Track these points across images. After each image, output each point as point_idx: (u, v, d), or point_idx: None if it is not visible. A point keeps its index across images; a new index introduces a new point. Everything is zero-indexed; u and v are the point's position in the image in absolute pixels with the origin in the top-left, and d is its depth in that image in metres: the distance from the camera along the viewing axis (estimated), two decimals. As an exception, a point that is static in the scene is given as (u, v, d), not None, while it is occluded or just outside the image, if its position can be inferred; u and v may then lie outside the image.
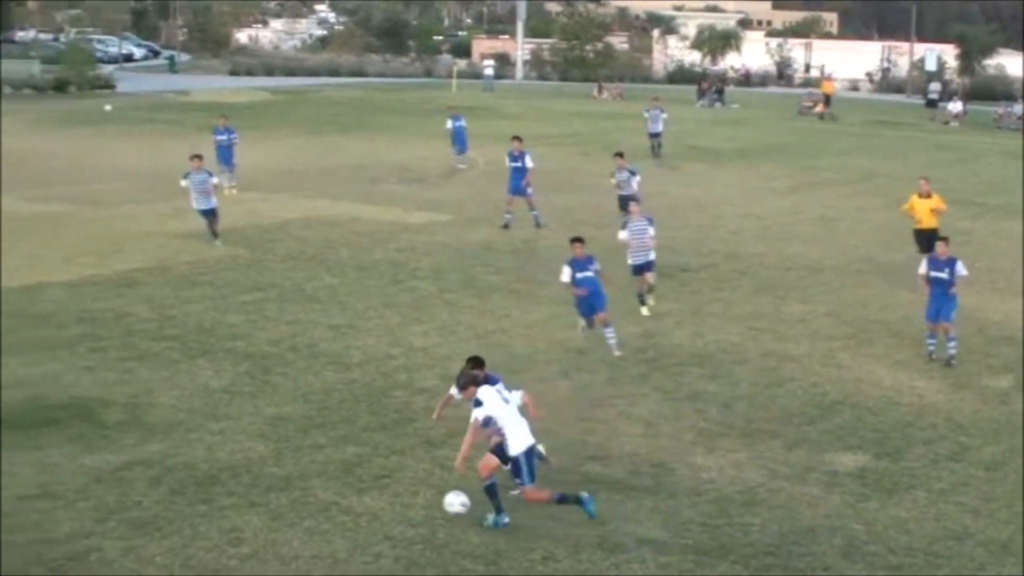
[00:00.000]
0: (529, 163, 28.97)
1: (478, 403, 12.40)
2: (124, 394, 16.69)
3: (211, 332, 19.84)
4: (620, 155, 28.65)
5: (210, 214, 26.25)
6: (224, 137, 33.54)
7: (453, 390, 13.62)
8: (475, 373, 12.93)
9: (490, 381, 12.89)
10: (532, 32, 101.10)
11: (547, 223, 29.13)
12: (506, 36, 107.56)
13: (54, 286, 22.62)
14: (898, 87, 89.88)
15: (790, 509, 13.59)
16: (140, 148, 43.40)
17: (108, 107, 57.94)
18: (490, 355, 18.60)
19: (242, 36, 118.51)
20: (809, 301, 23.18)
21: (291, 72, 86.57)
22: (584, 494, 12.88)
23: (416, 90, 74.24)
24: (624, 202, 27.34)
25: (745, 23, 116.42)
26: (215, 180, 26.68)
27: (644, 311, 21.41)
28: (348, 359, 18.55)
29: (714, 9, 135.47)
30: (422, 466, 14.38)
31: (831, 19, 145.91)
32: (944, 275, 19.05)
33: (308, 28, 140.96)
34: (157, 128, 50.04)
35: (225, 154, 33.40)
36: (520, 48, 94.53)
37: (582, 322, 19.34)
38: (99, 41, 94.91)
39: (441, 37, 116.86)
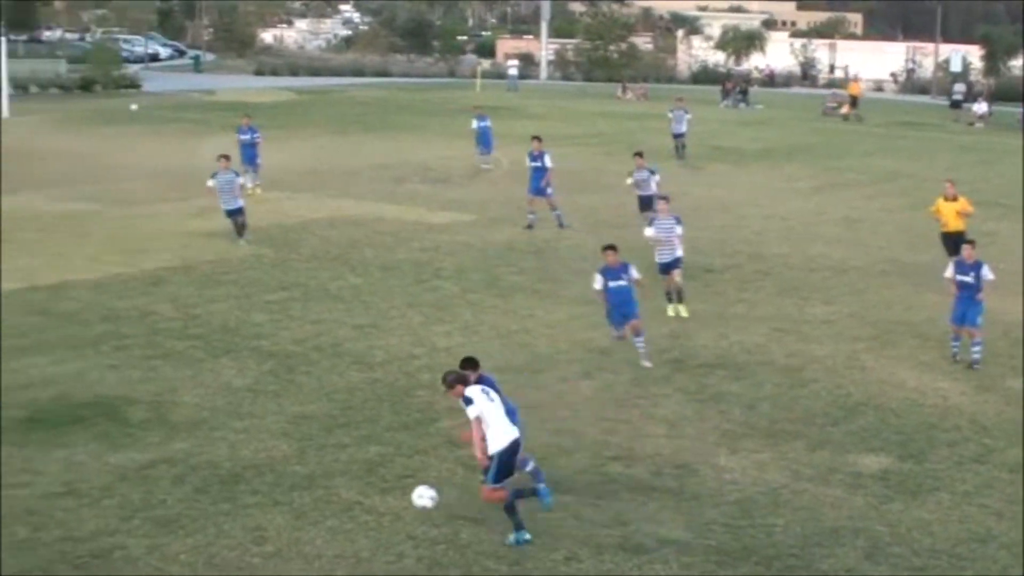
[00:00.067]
0: (548, 163, 28.95)
1: (469, 401, 12.39)
2: (148, 392, 16.79)
3: (235, 331, 19.94)
4: (640, 155, 28.62)
5: (237, 213, 26.40)
6: (247, 136, 33.72)
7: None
8: (465, 373, 12.94)
9: (483, 382, 12.88)
10: (556, 32, 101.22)
11: (570, 223, 29.13)
12: (530, 36, 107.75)
13: (79, 285, 22.77)
14: (923, 88, 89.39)
15: (813, 510, 13.56)
16: (165, 147, 43.65)
17: (134, 106, 58.26)
18: (513, 355, 18.79)
19: (267, 36, 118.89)
20: (833, 302, 23.10)
21: (316, 72, 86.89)
22: (542, 485, 12.80)
23: (440, 90, 74.31)
24: (644, 203, 27.36)
25: (769, 23, 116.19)
26: (241, 180, 26.85)
27: (670, 311, 21.33)
28: (371, 358, 18.61)
29: (738, 9, 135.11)
30: (445, 466, 14.42)
31: (856, 20, 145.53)
32: (970, 279, 18.94)
33: (333, 28, 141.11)
34: (182, 127, 50.27)
35: (249, 153, 33.56)
36: (544, 48, 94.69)
37: (614, 332, 18.82)
38: (125, 41, 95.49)
39: (465, 37, 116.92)
